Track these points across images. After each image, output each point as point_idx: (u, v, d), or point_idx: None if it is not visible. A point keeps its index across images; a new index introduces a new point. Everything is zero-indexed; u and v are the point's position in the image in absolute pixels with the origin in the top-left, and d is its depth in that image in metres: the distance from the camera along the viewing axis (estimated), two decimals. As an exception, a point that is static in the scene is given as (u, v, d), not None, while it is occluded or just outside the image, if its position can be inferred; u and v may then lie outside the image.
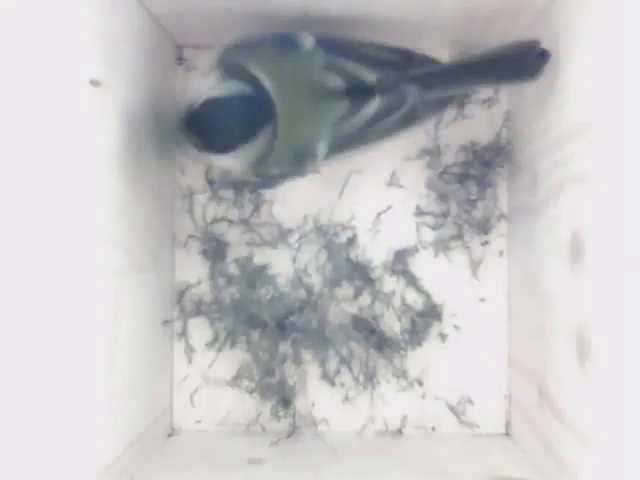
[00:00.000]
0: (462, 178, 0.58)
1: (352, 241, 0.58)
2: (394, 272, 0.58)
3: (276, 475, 0.49)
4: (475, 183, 0.57)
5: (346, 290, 0.58)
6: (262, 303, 0.56)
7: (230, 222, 0.58)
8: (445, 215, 0.58)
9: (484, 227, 0.58)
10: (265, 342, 0.56)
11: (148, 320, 0.52)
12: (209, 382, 0.58)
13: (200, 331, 0.57)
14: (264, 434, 0.56)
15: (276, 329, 0.55)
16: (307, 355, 0.57)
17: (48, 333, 0.34)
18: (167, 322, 0.56)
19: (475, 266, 0.58)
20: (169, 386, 0.58)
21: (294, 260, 0.58)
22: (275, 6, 0.49)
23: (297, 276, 0.58)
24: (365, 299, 0.58)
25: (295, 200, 0.58)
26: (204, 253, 0.58)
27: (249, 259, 0.58)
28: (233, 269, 0.57)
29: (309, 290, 0.57)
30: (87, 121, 0.39)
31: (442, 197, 0.58)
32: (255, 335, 0.56)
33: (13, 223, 0.31)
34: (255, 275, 0.57)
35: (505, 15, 0.50)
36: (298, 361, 0.57)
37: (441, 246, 0.58)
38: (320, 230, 0.58)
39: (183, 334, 0.57)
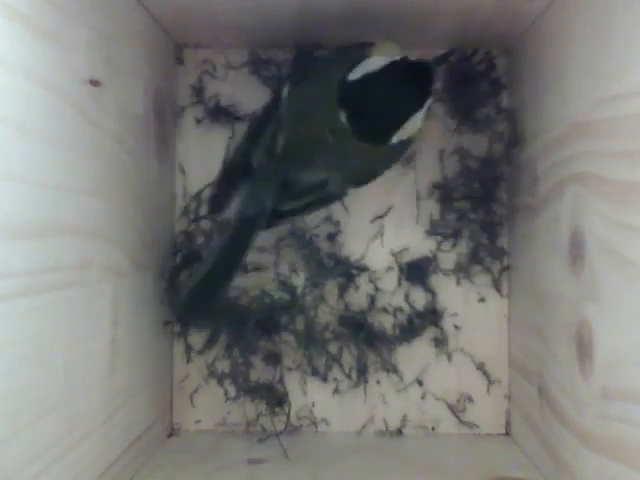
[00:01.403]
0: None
1: (336, 237, 0.58)
2: (408, 280, 0.58)
3: (276, 475, 0.49)
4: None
5: (333, 288, 0.58)
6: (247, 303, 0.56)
7: (212, 219, 0.58)
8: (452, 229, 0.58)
9: (488, 230, 0.58)
10: (253, 343, 0.55)
11: (148, 320, 0.52)
12: (209, 382, 0.58)
13: (200, 331, 0.57)
14: (264, 434, 0.56)
15: (263, 329, 0.55)
16: (297, 355, 0.57)
17: (48, 333, 0.34)
18: (167, 323, 0.56)
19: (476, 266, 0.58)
20: (169, 386, 0.58)
21: (276, 261, 0.58)
22: (275, 6, 0.49)
23: (281, 276, 0.58)
24: (352, 295, 0.58)
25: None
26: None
27: None
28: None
29: (293, 290, 0.57)
30: (87, 121, 0.39)
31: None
32: (243, 336, 0.56)
33: (12, 221, 0.31)
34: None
35: (504, 16, 0.50)
36: (287, 360, 0.57)
37: (442, 247, 0.58)
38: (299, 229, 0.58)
39: (182, 334, 0.57)
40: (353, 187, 0.51)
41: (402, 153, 0.51)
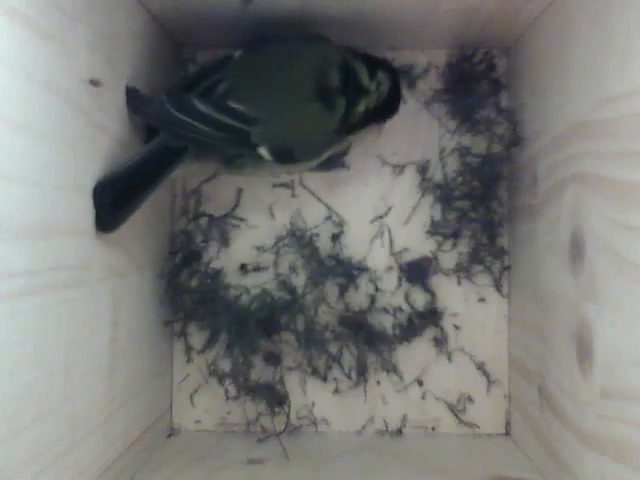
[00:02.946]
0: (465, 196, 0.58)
1: (337, 237, 0.58)
2: (408, 280, 0.58)
3: (276, 475, 0.49)
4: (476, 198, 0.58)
5: (333, 288, 0.57)
6: (248, 302, 0.56)
7: (211, 217, 0.58)
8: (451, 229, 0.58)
9: (488, 229, 0.58)
10: (253, 342, 0.55)
11: (148, 320, 0.52)
12: (209, 382, 0.58)
13: (200, 331, 0.57)
14: (264, 434, 0.56)
15: (263, 329, 0.55)
16: (297, 355, 0.57)
17: (48, 333, 0.34)
18: (167, 323, 0.56)
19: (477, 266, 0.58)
20: (169, 386, 0.58)
21: (276, 261, 0.58)
22: (274, 6, 0.49)
23: (281, 276, 0.58)
24: (352, 295, 0.58)
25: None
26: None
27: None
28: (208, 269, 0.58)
29: (293, 290, 0.57)
30: (87, 121, 0.39)
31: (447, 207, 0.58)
32: (243, 335, 0.55)
33: (13, 221, 0.31)
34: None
35: (504, 16, 0.50)
36: (288, 361, 0.57)
37: (441, 246, 0.58)
38: (298, 230, 0.58)
39: (183, 334, 0.57)
40: (267, 150, 0.49)
41: (323, 150, 0.52)
